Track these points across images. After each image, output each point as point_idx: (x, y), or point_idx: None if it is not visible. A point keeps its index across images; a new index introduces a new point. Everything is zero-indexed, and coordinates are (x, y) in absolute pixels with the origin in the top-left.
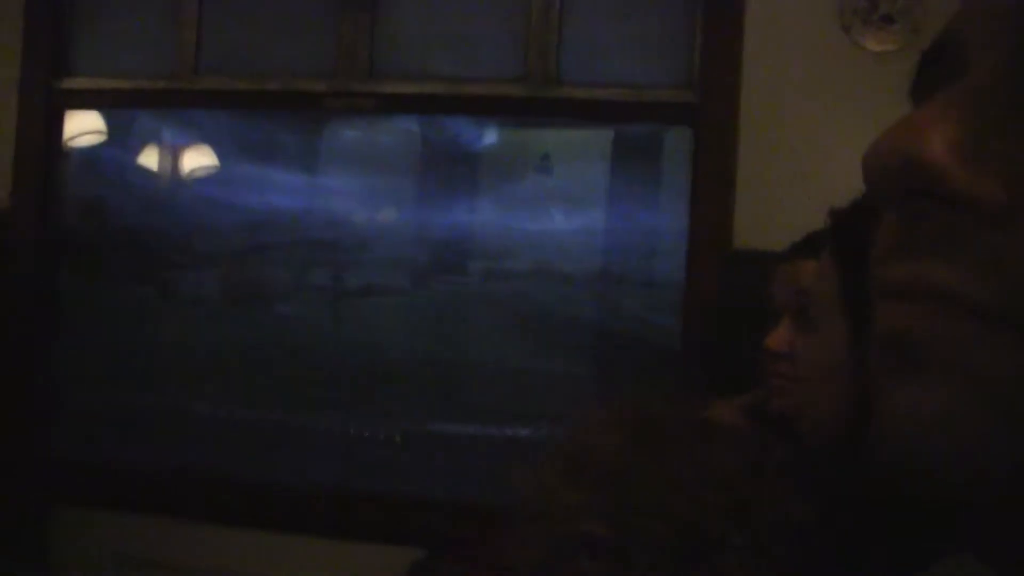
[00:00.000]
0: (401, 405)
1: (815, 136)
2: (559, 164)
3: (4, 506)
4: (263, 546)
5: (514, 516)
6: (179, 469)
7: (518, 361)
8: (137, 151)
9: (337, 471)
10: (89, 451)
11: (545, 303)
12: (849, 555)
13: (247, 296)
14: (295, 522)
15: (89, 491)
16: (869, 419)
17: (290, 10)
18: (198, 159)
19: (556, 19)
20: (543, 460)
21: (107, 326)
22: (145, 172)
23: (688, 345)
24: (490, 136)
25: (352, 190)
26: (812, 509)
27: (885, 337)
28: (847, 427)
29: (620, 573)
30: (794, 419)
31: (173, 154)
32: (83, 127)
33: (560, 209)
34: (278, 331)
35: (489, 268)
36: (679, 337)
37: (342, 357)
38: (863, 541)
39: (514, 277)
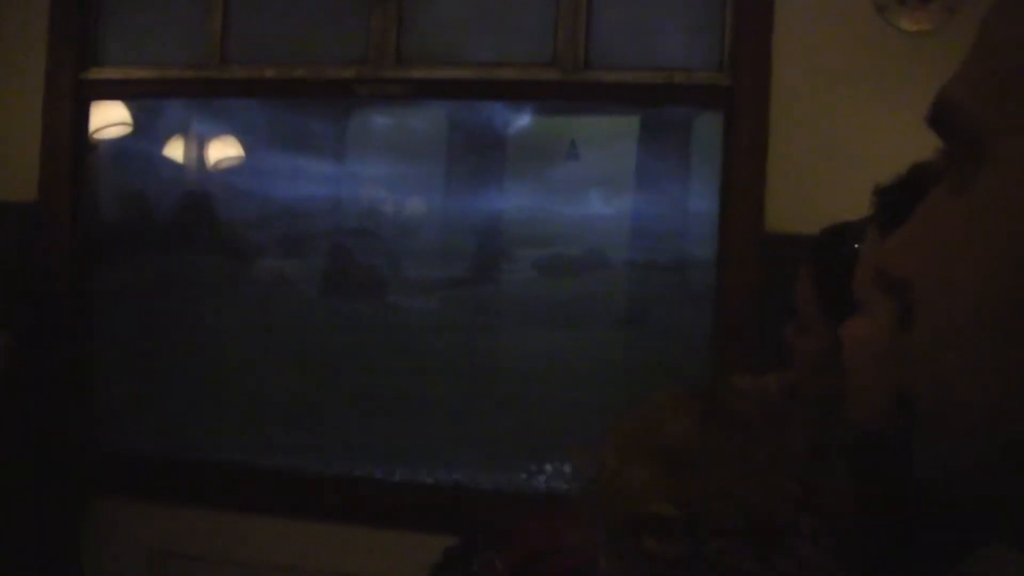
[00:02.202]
0: None
1: (848, 118)
2: (589, 150)
3: (41, 498)
4: (298, 535)
5: (565, 500)
6: (216, 461)
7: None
8: (164, 142)
9: None
10: (127, 443)
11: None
12: (898, 540)
13: (350, 286)
14: (330, 511)
15: (127, 483)
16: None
17: None
18: (224, 150)
19: (585, 3)
20: (605, 441)
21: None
22: (172, 164)
23: (721, 327)
24: (520, 121)
25: (383, 177)
26: (869, 492)
27: None
28: (893, 410)
29: (690, 555)
30: (835, 401)
31: (200, 145)
32: (109, 119)
33: (595, 193)
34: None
35: (546, 256)
36: (712, 318)
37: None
38: (911, 526)
39: (571, 264)
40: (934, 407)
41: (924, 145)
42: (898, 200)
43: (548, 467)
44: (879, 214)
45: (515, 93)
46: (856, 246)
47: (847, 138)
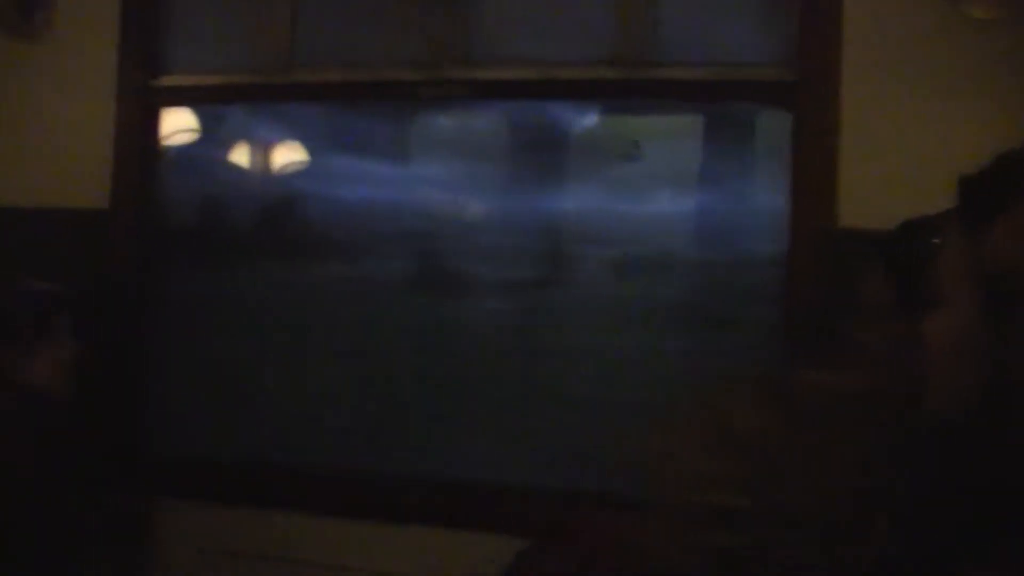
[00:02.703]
0: None
1: (920, 109)
2: (653, 147)
3: (108, 500)
4: (355, 536)
5: (631, 497)
6: (274, 462)
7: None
8: (229, 148)
9: None
10: (187, 445)
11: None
12: (972, 533)
13: (420, 289)
14: (397, 512)
15: (193, 485)
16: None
17: (382, 0)
18: (289, 154)
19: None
20: (675, 433)
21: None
22: (238, 169)
23: (789, 324)
24: (583, 120)
25: (447, 179)
26: (940, 488)
27: None
28: (980, 401)
29: (762, 548)
30: (911, 397)
31: (265, 150)
32: (176, 126)
33: (659, 192)
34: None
35: (612, 256)
36: (780, 315)
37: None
38: (987, 518)
39: (637, 263)
40: None
41: (1001, 135)
42: (984, 191)
43: (615, 465)
44: (963, 206)
45: (578, 92)
46: (935, 240)
47: (920, 130)
